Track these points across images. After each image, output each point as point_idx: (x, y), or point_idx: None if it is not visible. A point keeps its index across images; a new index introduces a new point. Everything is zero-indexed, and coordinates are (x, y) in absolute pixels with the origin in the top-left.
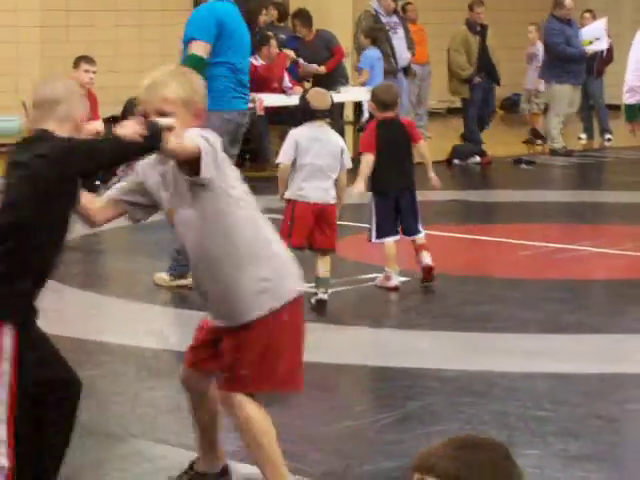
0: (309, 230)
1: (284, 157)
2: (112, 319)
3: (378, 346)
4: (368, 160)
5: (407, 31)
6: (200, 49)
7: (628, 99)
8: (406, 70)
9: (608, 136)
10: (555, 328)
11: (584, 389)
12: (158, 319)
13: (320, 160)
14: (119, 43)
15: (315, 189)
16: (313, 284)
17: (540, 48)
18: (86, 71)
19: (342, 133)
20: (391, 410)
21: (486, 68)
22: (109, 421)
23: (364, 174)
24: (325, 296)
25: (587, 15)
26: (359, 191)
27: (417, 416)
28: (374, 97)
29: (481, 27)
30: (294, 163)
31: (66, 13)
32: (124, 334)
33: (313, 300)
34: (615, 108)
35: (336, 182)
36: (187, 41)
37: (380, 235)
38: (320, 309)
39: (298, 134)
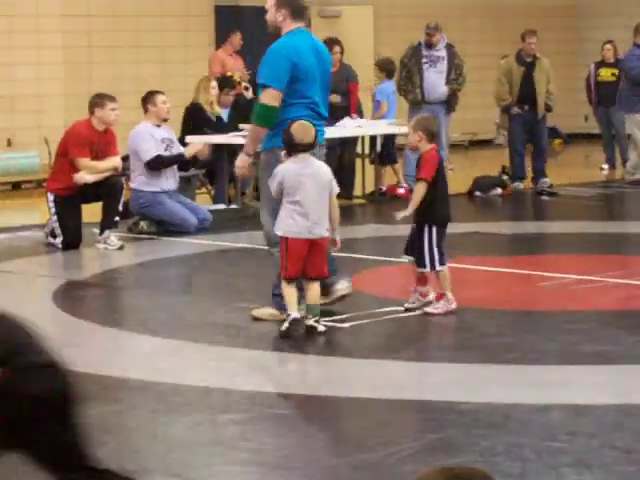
0: (303, 261)
1: (274, 192)
2: (130, 354)
3: (395, 378)
4: (424, 188)
5: (451, 65)
6: (271, 98)
7: None
8: (447, 103)
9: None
10: (573, 359)
11: (599, 420)
12: (176, 354)
13: (309, 196)
14: (141, 79)
15: (308, 225)
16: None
17: None
18: (112, 109)
19: (353, 165)
20: (408, 442)
21: (528, 99)
22: (125, 456)
23: (417, 202)
24: (313, 322)
25: (608, 46)
26: (403, 215)
27: (433, 448)
28: (423, 128)
29: (533, 58)
30: (282, 198)
31: (88, 49)
32: (142, 369)
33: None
34: None
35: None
36: (260, 83)
37: (441, 263)
38: (311, 335)
39: (284, 171)
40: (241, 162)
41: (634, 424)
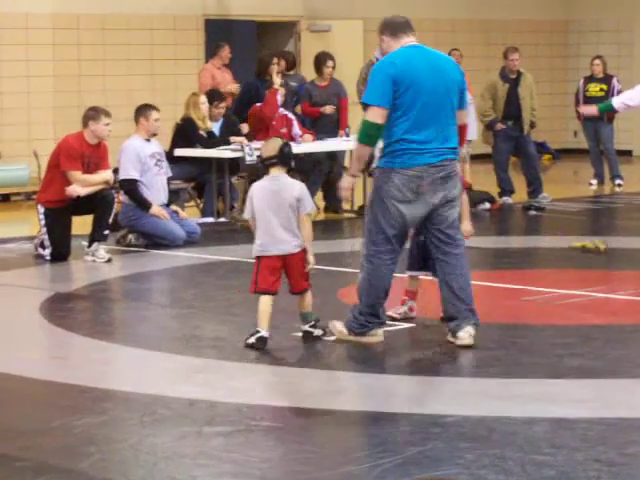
0: (280, 277)
1: (245, 212)
2: (117, 366)
3: (379, 391)
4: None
5: None
6: (374, 115)
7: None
8: None
9: (619, 182)
10: (557, 373)
11: (584, 434)
12: (162, 366)
13: (274, 214)
14: (130, 93)
15: (273, 244)
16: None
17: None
18: (106, 124)
19: (340, 179)
20: (391, 455)
21: (513, 115)
22: (110, 468)
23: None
24: (308, 327)
25: (597, 62)
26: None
27: (417, 461)
28: None
29: (517, 74)
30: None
31: (78, 62)
32: (128, 381)
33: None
34: (625, 154)
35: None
36: (363, 102)
37: None
38: (307, 341)
39: (254, 188)
40: (346, 183)
41: (617, 438)
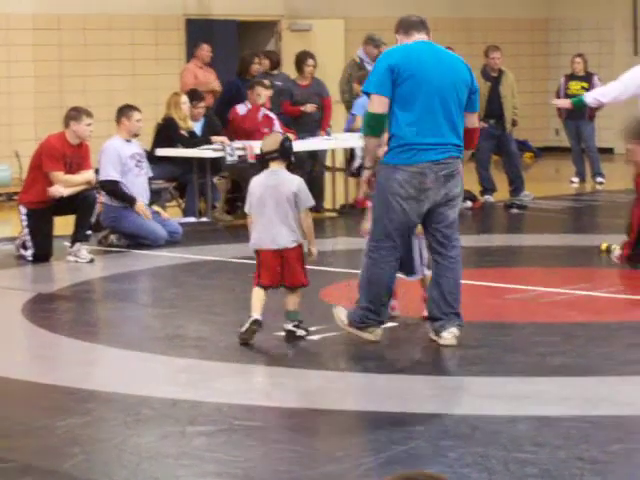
0: (278, 272)
1: (246, 206)
2: (100, 367)
3: (362, 390)
4: None
5: None
6: (375, 105)
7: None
8: None
9: (600, 179)
10: (540, 371)
11: (567, 432)
12: (145, 367)
13: (270, 208)
14: (112, 93)
15: (269, 237)
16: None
17: None
18: (88, 125)
19: (323, 178)
20: (374, 454)
21: (494, 114)
22: (94, 468)
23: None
24: (292, 327)
25: (578, 60)
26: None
27: (400, 460)
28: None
29: (498, 72)
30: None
31: (59, 63)
32: (111, 381)
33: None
34: (607, 151)
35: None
36: (363, 91)
37: (428, 267)
38: (290, 340)
39: (253, 182)
40: (364, 177)
41: (600, 436)
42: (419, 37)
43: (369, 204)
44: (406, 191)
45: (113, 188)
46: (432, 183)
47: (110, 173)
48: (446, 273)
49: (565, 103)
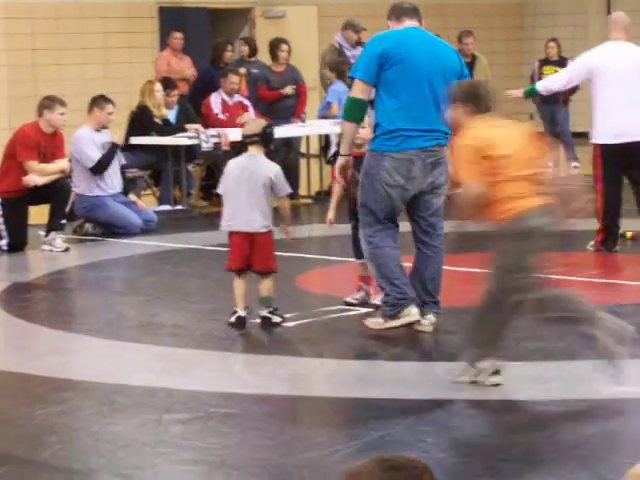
0: (246, 255)
1: (219, 187)
2: (76, 356)
3: (339, 377)
4: None
5: None
6: (357, 90)
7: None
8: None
9: (575, 164)
10: (517, 356)
11: (542, 415)
12: (121, 355)
13: (245, 191)
14: (85, 81)
15: (242, 220)
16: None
17: None
18: (61, 114)
19: (297, 164)
20: (351, 440)
21: None
22: (71, 457)
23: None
24: (267, 313)
25: (552, 44)
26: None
27: (377, 446)
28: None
29: (471, 57)
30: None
31: (32, 52)
32: (87, 370)
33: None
34: (582, 136)
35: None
36: (349, 75)
37: None
38: (265, 327)
39: (230, 164)
40: (338, 163)
41: (577, 419)
42: (410, 23)
43: (336, 189)
44: (393, 179)
45: (102, 164)
46: (419, 171)
47: (94, 158)
48: (429, 262)
49: (518, 93)
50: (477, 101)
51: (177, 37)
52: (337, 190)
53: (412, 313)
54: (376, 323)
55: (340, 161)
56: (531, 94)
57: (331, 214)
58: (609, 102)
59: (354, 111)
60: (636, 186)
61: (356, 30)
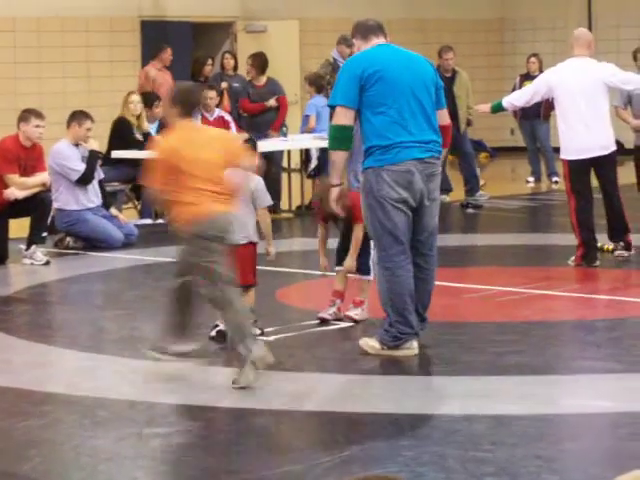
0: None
1: None
2: (56, 369)
3: (319, 391)
4: None
5: None
6: (339, 117)
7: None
8: None
9: (555, 179)
10: (497, 370)
11: (523, 430)
12: (101, 369)
13: None
14: (67, 95)
15: None
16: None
17: None
18: (37, 126)
19: (279, 178)
20: (332, 454)
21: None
22: (51, 471)
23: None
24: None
25: (533, 59)
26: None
27: (357, 459)
28: None
29: (452, 72)
30: None
31: (14, 65)
32: (67, 384)
33: None
34: None
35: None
36: (329, 105)
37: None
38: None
39: None
40: (332, 195)
41: (557, 434)
42: (378, 41)
43: (320, 232)
44: (397, 192)
45: (87, 174)
46: (419, 182)
47: (79, 170)
48: (421, 285)
49: (485, 108)
50: (184, 105)
51: (169, 53)
52: (322, 233)
53: (413, 347)
54: (372, 348)
55: (334, 193)
56: (497, 109)
57: (323, 260)
58: (572, 119)
59: (341, 139)
60: (606, 197)
61: (348, 44)
